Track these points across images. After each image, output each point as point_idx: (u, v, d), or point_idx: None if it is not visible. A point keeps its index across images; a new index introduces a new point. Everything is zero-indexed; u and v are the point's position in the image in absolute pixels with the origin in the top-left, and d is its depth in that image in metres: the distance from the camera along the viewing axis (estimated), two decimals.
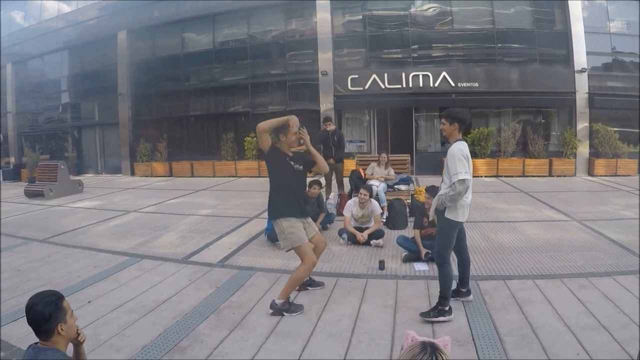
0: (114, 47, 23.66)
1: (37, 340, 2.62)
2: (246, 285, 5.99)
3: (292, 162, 5.16)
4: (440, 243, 4.87)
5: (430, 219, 5.36)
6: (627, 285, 5.49)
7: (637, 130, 18.08)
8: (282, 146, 5.13)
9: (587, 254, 6.94)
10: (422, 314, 4.73)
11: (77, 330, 2.78)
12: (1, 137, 30.44)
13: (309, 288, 5.63)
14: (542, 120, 19.08)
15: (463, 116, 4.86)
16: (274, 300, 5.04)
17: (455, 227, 4.81)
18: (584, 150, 17.72)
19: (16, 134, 29.00)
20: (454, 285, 5.17)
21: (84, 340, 2.83)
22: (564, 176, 17.16)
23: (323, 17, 19.48)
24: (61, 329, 2.60)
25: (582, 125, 17.76)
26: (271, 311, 4.99)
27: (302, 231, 5.11)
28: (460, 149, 4.67)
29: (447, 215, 4.73)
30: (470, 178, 4.60)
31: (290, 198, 5.13)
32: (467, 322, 4.62)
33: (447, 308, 4.73)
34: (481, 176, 17.21)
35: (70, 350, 2.77)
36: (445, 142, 19.02)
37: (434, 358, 1.86)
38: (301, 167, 5.21)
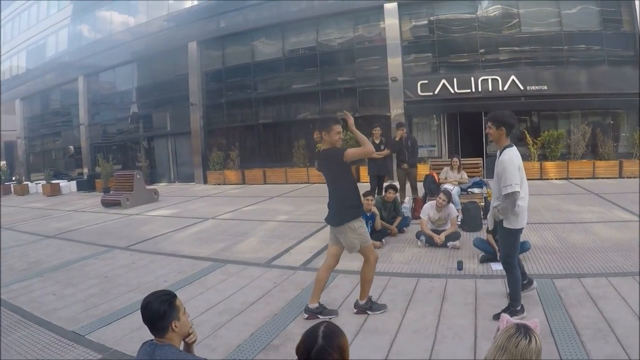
0: (184, 57, 26.05)
1: (152, 338, 2.86)
2: (330, 286, 6.39)
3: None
4: (504, 250, 5.25)
5: (490, 228, 5.88)
6: None
7: None
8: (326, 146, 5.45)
9: None
10: (495, 317, 4.99)
11: (190, 327, 3.02)
12: (72, 148, 32.98)
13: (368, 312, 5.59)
14: (611, 122, 20.04)
15: (510, 120, 5.00)
16: (357, 301, 5.58)
17: (516, 234, 5.12)
18: None
19: (89, 145, 31.73)
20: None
21: (194, 340, 3.07)
22: (634, 177, 17.39)
23: (391, 23, 21.21)
24: (175, 326, 2.82)
25: None
26: (355, 310, 5.52)
27: (364, 231, 5.52)
28: (511, 158, 4.85)
29: (507, 225, 5.04)
30: (519, 190, 4.76)
31: (357, 195, 5.59)
32: (545, 317, 5.02)
33: (518, 308, 5.08)
34: (552, 179, 18.23)
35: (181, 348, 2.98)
36: (517, 146, 20.11)
37: (528, 337, 2.16)
38: None
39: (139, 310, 2.89)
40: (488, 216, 5.62)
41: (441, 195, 8.88)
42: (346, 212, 5.38)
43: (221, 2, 25.02)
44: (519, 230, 5.13)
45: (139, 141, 29.56)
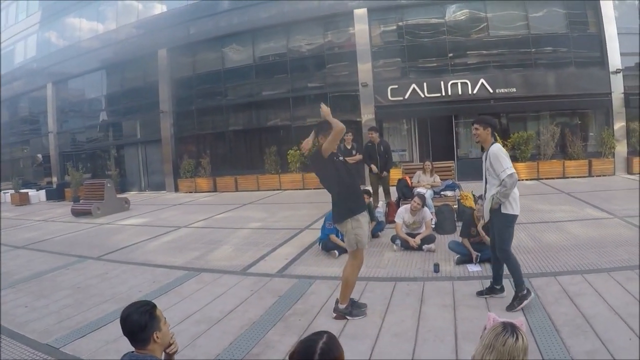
0: (154, 64, 25.49)
1: (131, 350, 2.80)
2: (307, 293, 6.48)
3: (341, 158, 5.77)
4: (501, 239, 5.50)
5: (486, 220, 5.86)
6: None
7: None
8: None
9: (631, 248, 7.46)
10: (508, 308, 5.29)
11: (172, 337, 2.99)
12: (40, 156, 32.19)
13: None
14: (579, 122, 20.35)
15: (494, 121, 5.72)
16: (337, 304, 5.53)
17: (513, 221, 5.49)
18: (621, 149, 18.92)
19: (58, 154, 30.91)
20: (487, 284, 5.98)
21: (176, 351, 3.03)
22: (604, 176, 18.26)
23: (361, 29, 21.09)
24: (157, 337, 2.78)
25: (619, 125, 19.02)
26: (334, 314, 5.49)
27: (367, 233, 5.62)
28: (499, 147, 5.47)
29: (504, 211, 5.38)
30: (515, 171, 5.29)
31: (358, 192, 5.75)
32: (524, 315, 5.06)
33: (525, 292, 5.31)
34: (522, 179, 17.97)
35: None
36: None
37: (514, 336, 2.20)
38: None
39: (114, 321, 2.93)
40: (485, 206, 5.78)
41: (415, 198, 8.85)
42: (342, 210, 5.49)
43: (191, 8, 24.61)
44: (515, 217, 5.47)
45: (108, 149, 28.88)
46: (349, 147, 11.77)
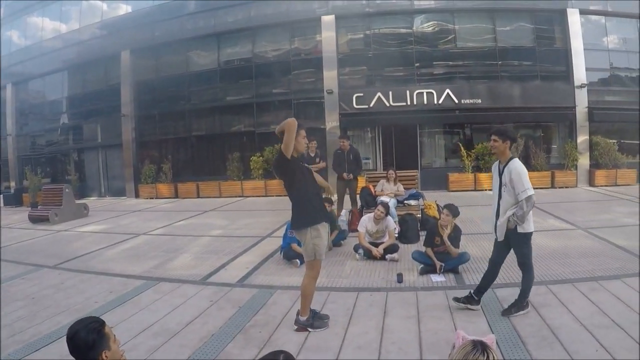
0: (117, 66, 24.57)
1: None
2: (268, 303, 6.27)
3: (306, 165, 5.52)
4: (522, 255, 5.37)
5: (501, 239, 5.46)
6: (636, 287, 6.04)
7: (636, 142, 19.53)
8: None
9: (595, 259, 7.58)
10: (504, 312, 5.31)
11: (122, 355, 2.85)
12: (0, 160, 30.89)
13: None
14: (543, 134, 20.44)
15: (514, 134, 5.45)
16: (298, 317, 5.31)
17: (530, 238, 5.35)
18: (584, 162, 19.11)
19: (16, 157, 29.65)
20: (452, 294, 5.90)
21: None
22: (566, 187, 18.41)
23: (328, 36, 20.65)
24: (106, 356, 2.62)
25: (582, 138, 19.18)
26: (295, 327, 5.27)
27: (325, 243, 5.33)
28: (522, 165, 5.21)
29: (521, 231, 5.22)
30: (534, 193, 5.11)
31: (319, 202, 5.38)
32: (488, 327, 5.05)
33: (524, 303, 5.35)
34: (486, 189, 18.19)
35: None
36: (449, 158, 20.47)
37: (485, 355, 2.10)
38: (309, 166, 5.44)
39: None
40: (499, 225, 5.46)
41: (379, 207, 8.73)
42: (302, 218, 5.25)
43: (156, 10, 23.85)
44: (532, 234, 5.34)
45: (69, 153, 27.72)
46: (312, 154, 11.62)
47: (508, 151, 5.32)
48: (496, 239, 5.56)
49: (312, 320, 5.27)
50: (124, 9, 25.36)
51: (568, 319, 5.12)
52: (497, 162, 5.57)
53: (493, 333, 4.71)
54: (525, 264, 5.37)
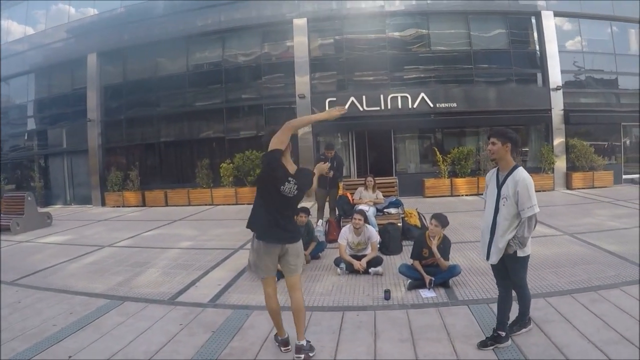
0: (83, 70, 23.33)
1: None
2: (245, 327, 5.60)
3: (290, 180, 4.55)
4: (519, 279, 4.70)
5: (494, 262, 4.72)
6: (637, 295, 5.69)
7: (610, 143, 19.72)
8: (285, 155, 4.58)
9: (588, 267, 7.15)
10: (508, 330, 4.68)
11: None
12: None
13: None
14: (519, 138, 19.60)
15: (516, 136, 4.58)
16: (302, 344, 4.66)
17: (527, 260, 4.67)
18: (561, 164, 18.83)
19: None
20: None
21: None
22: (544, 191, 17.90)
23: (300, 41, 19.82)
24: None
25: (559, 140, 18.86)
26: (302, 356, 4.61)
27: (266, 263, 4.69)
28: (529, 176, 4.48)
29: (521, 254, 4.51)
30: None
31: (269, 217, 4.61)
32: (494, 354, 4.48)
33: (527, 320, 4.86)
34: (462, 195, 17.81)
35: None
36: (424, 163, 19.69)
37: None
38: (296, 189, 4.58)
39: None
40: (494, 246, 4.64)
41: (356, 215, 8.11)
42: (249, 221, 4.70)
43: (124, 12, 22.77)
44: (529, 256, 4.65)
45: (33, 159, 26.18)
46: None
47: (509, 156, 4.52)
48: (499, 265, 4.74)
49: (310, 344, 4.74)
50: (91, 11, 24.09)
51: (574, 336, 4.66)
52: (494, 170, 4.77)
53: (497, 355, 4.38)
54: (521, 286, 4.76)
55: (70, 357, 4.96)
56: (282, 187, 4.48)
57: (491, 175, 4.78)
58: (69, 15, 24.75)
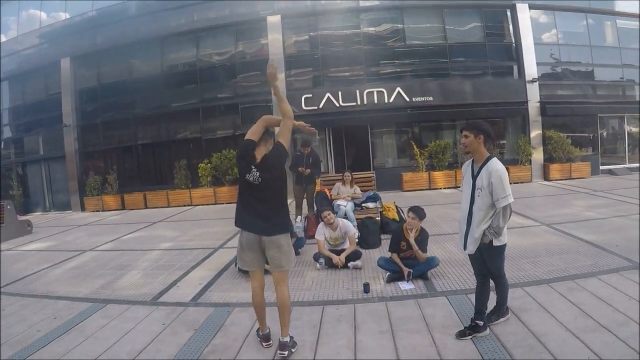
0: (57, 75, 22.90)
1: None
2: (227, 324, 5.61)
3: (252, 169, 4.49)
4: (497, 268, 4.67)
5: (472, 252, 4.71)
6: (614, 284, 5.68)
7: (587, 135, 19.61)
8: (259, 147, 4.61)
9: (565, 256, 7.16)
10: (485, 319, 4.66)
11: None
12: None
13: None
14: (496, 130, 19.65)
15: (488, 128, 4.59)
16: (286, 340, 4.58)
17: (504, 249, 4.65)
18: (538, 156, 18.72)
19: None
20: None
21: None
22: (521, 182, 17.91)
23: (274, 38, 19.52)
24: None
25: (536, 132, 18.74)
26: (285, 353, 4.52)
27: (247, 254, 4.65)
28: (503, 167, 4.47)
29: (497, 243, 4.48)
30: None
31: (244, 206, 4.63)
32: (472, 343, 4.47)
33: (504, 309, 4.86)
34: (440, 188, 17.68)
35: None
36: (401, 157, 19.59)
37: None
38: (259, 177, 4.48)
39: None
40: (469, 237, 4.64)
41: (322, 213, 8.09)
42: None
43: (95, 15, 22.30)
44: (505, 246, 4.63)
45: (10, 167, 25.68)
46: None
47: (483, 148, 4.53)
48: (477, 255, 4.71)
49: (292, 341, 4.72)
50: (63, 15, 23.60)
51: (552, 324, 4.70)
52: (469, 162, 4.76)
53: (477, 347, 4.36)
54: (499, 276, 4.73)
55: None
56: (247, 175, 4.49)
57: (466, 167, 4.76)
58: (40, 20, 24.30)
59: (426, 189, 17.89)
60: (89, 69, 22.83)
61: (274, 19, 19.50)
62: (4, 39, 25.65)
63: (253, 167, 4.47)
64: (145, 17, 21.30)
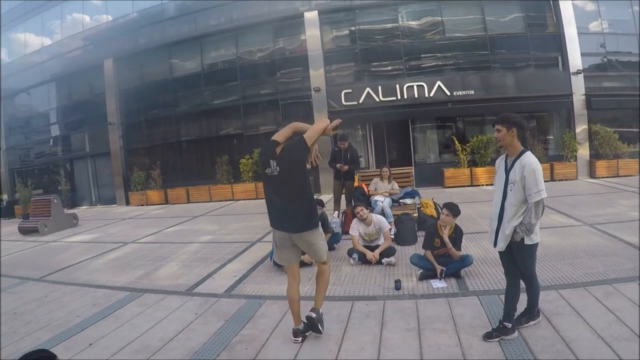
0: (100, 76, 23.67)
1: None
2: (257, 315, 5.71)
3: (271, 163, 4.61)
4: (526, 268, 4.57)
5: (501, 249, 4.62)
6: None
7: (636, 130, 18.26)
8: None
9: (606, 259, 6.83)
10: (515, 322, 4.60)
11: None
12: None
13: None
14: (540, 125, 19.23)
15: (521, 120, 4.47)
16: (311, 315, 4.76)
17: (536, 249, 4.52)
18: (584, 152, 17.88)
19: (7, 170, 29.00)
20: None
21: None
22: (566, 180, 17.22)
23: (312, 34, 19.56)
24: None
25: (581, 127, 17.94)
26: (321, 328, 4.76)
27: (281, 251, 4.86)
28: (537, 161, 4.33)
29: (528, 242, 4.38)
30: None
31: (271, 205, 4.80)
32: (499, 345, 4.38)
33: (535, 312, 4.73)
34: (482, 185, 17.35)
35: None
36: (443, 153, 19.26)
37: None
38: (277, 168, 4.59)
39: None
40: (501, 233, 4.54)
41: (356, 208, 8.00)
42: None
43: (137, 17, 22.89)
44: (537, 245, 4.49)
45: (58, 164, 26.82)
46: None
47: (517, 142, 4.38)
48: (506, 253, 4.61)
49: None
50: (105, 18, 24.30)
51: (584, 330, 4.50)
52: (503, 156, 4.64)
53: (503, 350, 4.26)
54: (530, 276, 4.59)
55: (90, 344, 5.23)
56: (268, 169, 4.59)
57: (500, 162, 4.67)
58: (83, 23, 25.09)
59: (468, 186, 17.55)
60: (131, 69, 23.48)
61: (311, 15, 19.54)
62: (49, 41, 26.58)
63: (272, 160, 4.56)
64: (185, 17, 21.71)
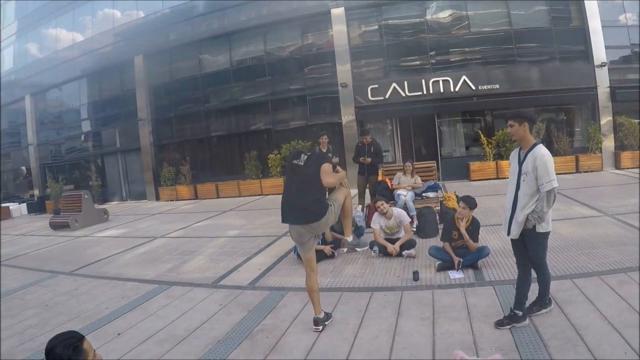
0: (131, 72, 24.27)
1: None
2: (278, 306, 6.00)
3: (302, 157, 5.10)
4: (537, 257, 4.76)
5: (515, 237, 4.83)
6: None
7: None
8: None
9: (623, 248, 6.89)
10: (527, 310, 4.76)
11: None
12: (25, 169, 30.92)
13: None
14: (565, 117, 19.39)
15: (532, 114, 4.70)
16: (317, 317, 5.15)
17: (547, 237, 4.74)
18: (609, 144, 18.03)
19: (39, 166, 29.60)
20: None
21: None
22: (591, 171, 17.41)
23: (339, 30, 19.97)
24: None
25: (606, 119, 18.11)
26: (319, 327, 5.11)
27: (298, 243, 5.17)
28: (548, 152, 4.55)
29: (540, 230, 4.60)
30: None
31: (285, 199, 5.06)
32: (510, 333, 4.55)
33: (547, 300, 4.93)
34: (508, 177, 17.10)
35: None
36: (471, 146, 19.54)
37: None
38: (305, 160, 5.04)
39: None
40: (514, 222, 4.78)
41: (377, 202, 8.32)
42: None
43: (167, 14, 23.46)
44: (549, 233, 4.72)
45: (89, 159, 27.32)
46: (324, 149, 10.52)
47: (529, 135, 4.66)
48: (518, 242, 4.88)
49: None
50: (135, 14, 24.82)
51: (595, 317, 4.64)
52: (516, 149, 4.91)
53: (513, 336, 4.47)
54: (540, 265, 4.82)
55: (119, 334, 5.59)
56: (296, 160, 5.04)
57: (514, 155, 4.92)
58: (113, 19, 25.65)
59: (493, 179, 17.72)
60: (162, 65, 24.04)
61: (337, 11, 19.93)
62: (81, 38, 27.20)
63: (304, 154, 5.06)
64: (214, 14, 22.18)
